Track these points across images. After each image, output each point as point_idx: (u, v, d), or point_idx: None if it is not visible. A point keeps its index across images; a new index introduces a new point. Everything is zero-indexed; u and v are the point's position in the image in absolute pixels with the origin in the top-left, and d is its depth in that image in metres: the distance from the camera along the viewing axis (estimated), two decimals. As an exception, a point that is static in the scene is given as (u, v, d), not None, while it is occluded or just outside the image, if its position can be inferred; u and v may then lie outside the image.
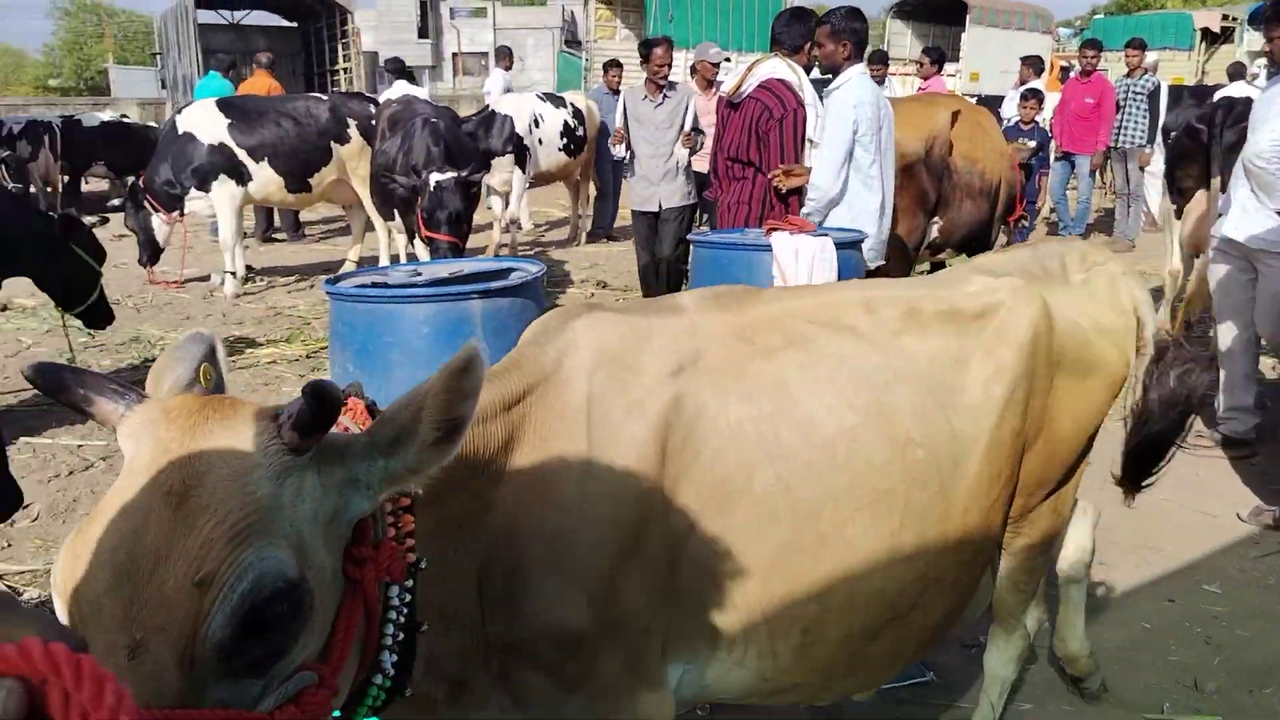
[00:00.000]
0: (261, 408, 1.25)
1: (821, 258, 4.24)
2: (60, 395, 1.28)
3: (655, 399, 1.80)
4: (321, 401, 1.16)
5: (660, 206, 7.53)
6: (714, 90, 7.98)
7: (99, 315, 5.81)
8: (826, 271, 4.22)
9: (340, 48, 22.30)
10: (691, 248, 5.05)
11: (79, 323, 5.92)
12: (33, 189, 14.99)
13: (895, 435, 1.96)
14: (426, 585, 1.51)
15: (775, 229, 4.43)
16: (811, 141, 5.38)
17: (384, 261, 9.56)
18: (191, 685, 1.09)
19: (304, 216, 13.34)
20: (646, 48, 7.63)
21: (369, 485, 1.26)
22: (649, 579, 1.76)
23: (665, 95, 7.54)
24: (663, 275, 7.53)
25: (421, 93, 10.50)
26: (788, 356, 1.97)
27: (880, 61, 11.11)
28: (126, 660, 1.07)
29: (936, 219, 6.89)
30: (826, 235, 4.41)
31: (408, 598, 1.43)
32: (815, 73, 5.91)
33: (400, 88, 10.56)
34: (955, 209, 6.93)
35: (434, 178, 6.81)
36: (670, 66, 7.61)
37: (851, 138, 5.01)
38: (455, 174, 6.89)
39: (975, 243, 7.19)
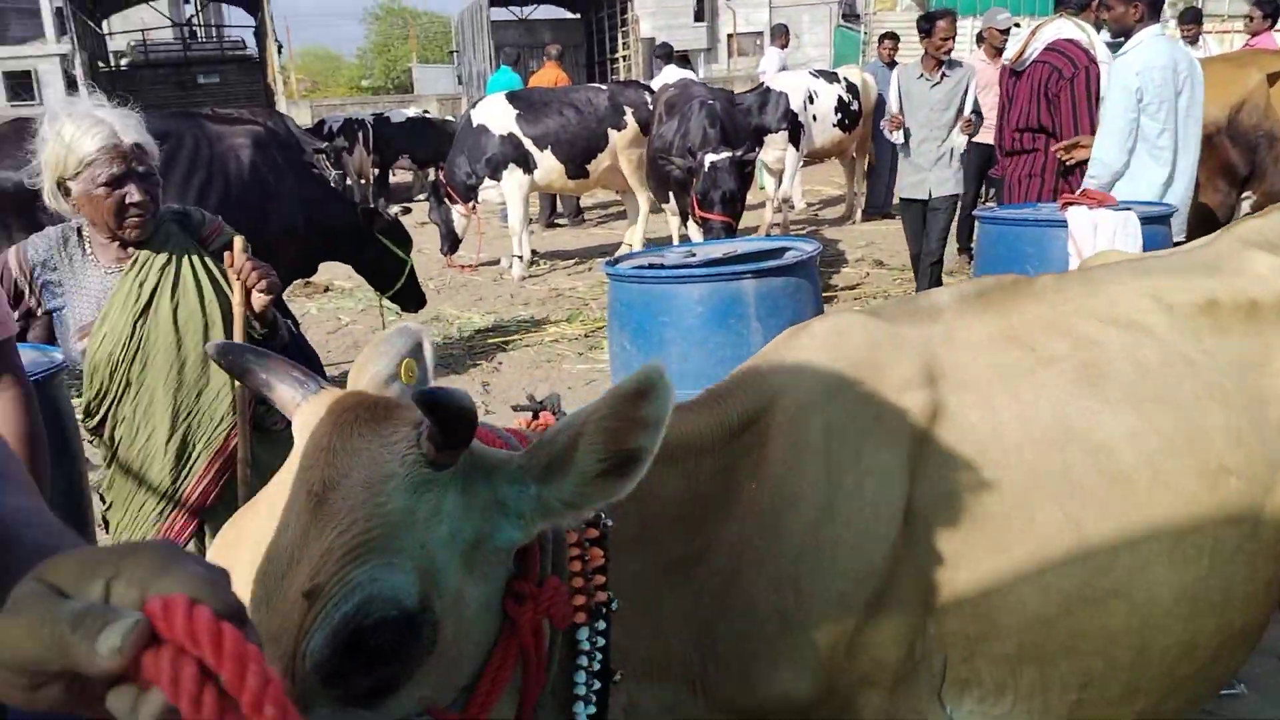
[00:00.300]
0: (414, 413, 1.13)
1: (1124, 233, 3.92)
2: (244, 378, 1.26)
3: (907, 423, 1.55)
4: (434, 412, 1.01)
5: (930, 194, 6.88)
6: (1000, 59, 7.48)
7: (409, 298, 6.27)
8: (1130, 250, 3.89)
9: (620, 36, 22.98)
10: (977, 225, 4.80)
11: (393, 304, 6.43)
12: (349, 180, 16.56)
13: (1205, 463, 1.65)
14: (634, 632, 1.38)
15: (1072, 203, 4.13)
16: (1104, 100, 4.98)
17: (638, 246, 9.79)
18: (296, 702, 0.99)
19: (583, 202, 13.90)
20: (928, 21, 6.88)
21: (520, 514, 1.12)
22: (905, 626, 1.54)
23: (944, 73, 6.80)
24: (926, 272, 6.96)
25: (691, 76, 10.65)
26: (1074, 365, 1.67)
27: (1192, 20, 10.08)
28: None
29: (1248, 193, 6.16)
30: (1130, 209, 4.06)
31: (600, 642, 1.28)
32: (1106, 35, 5.42)
33: (670, 73, 10.75)
34: (1275, 181, 6.15)
35: (708, 158, 6.89)
36: (953, 40, 6.89)
37: (1135, 106, 4.58)
38: (730, 154, 6.93)
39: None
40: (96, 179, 2.29)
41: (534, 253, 10.53)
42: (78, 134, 2.29)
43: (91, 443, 2.55)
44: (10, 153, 5.91)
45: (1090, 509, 1.59)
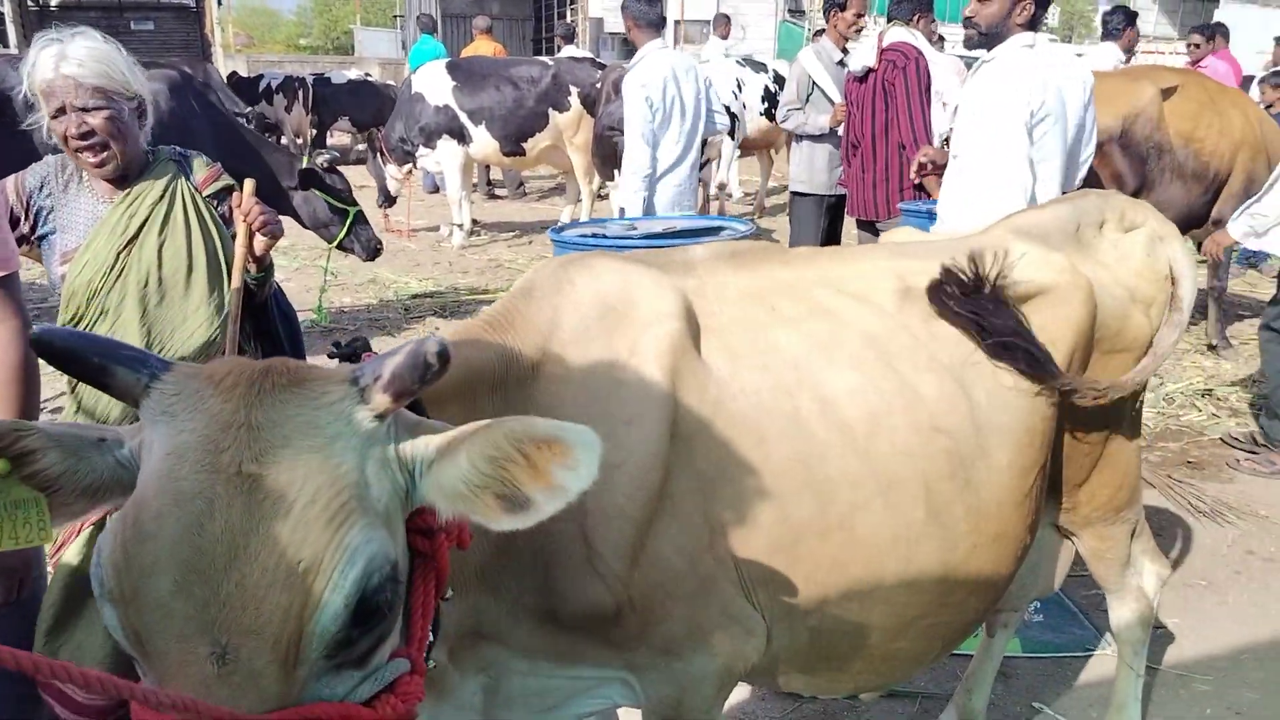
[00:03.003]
0: (329, 370, 1.13)
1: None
2: (69, 365, 1.10)
3: (661, 352, 1.68)
4: (444, 360, 1.07)
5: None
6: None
7: (360, 245, 6.15)
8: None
9: (569, 13, 22.97)
10: (903, 218, 5.10)
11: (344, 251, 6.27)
12: (284, 139, 16.36)
13: (919, 422, 1.86)
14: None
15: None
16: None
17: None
18: (294, 685, 1.00)
19: (525, 174, 13.93)
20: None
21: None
22: (686, 538, 1.69)
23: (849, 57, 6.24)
24: None
25: (579, 53, 10.96)
26: (810, 329, 1.87)
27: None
28: (215, 668, 0.96)
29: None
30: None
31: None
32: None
33: (569, 51, 10.90)
34: (1161, 191, 6.39)
35: (666, 130, 7.04)
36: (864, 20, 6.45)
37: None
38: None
39: (1184, 230, 6.72)
40: (49, 110, 2.35)
41: (475, 223, 10.62)
42: (35, 67, 2.34)
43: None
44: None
45: (816, 449, 1.78)
